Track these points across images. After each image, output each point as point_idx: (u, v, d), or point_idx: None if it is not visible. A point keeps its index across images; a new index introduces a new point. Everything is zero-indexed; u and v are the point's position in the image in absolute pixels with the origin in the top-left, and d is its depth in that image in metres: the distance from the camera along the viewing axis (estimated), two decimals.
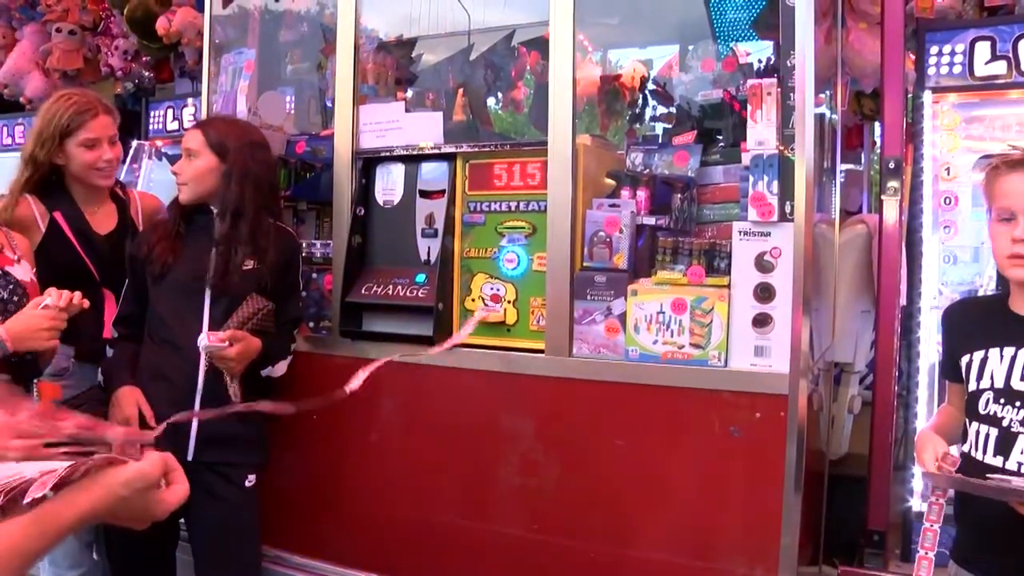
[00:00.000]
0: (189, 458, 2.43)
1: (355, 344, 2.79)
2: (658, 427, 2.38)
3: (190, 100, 4.79)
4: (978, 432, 1.81)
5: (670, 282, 2.37)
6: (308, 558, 2.88)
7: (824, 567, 2.53)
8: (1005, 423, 1.76)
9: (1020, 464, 1.72)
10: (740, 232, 2.29)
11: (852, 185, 4.68)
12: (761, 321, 2.26)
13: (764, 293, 2.25)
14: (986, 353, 1.82)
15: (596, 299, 2.45)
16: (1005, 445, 1.75)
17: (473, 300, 2.66)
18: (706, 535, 2.33)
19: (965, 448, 1.85)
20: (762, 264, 2.26)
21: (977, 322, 1.91)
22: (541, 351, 2.53)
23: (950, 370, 1.98)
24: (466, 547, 2.64)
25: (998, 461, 1.75)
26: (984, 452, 1.79)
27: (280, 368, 2.61)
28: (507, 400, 2.57)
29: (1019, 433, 1.74)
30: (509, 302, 2.61)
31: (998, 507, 1.67)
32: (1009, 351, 1.79)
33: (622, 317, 2.41)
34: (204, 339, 2.36)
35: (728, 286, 2.30)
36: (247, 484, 2.56)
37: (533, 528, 2.53)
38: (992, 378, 1.80)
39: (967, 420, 1.85)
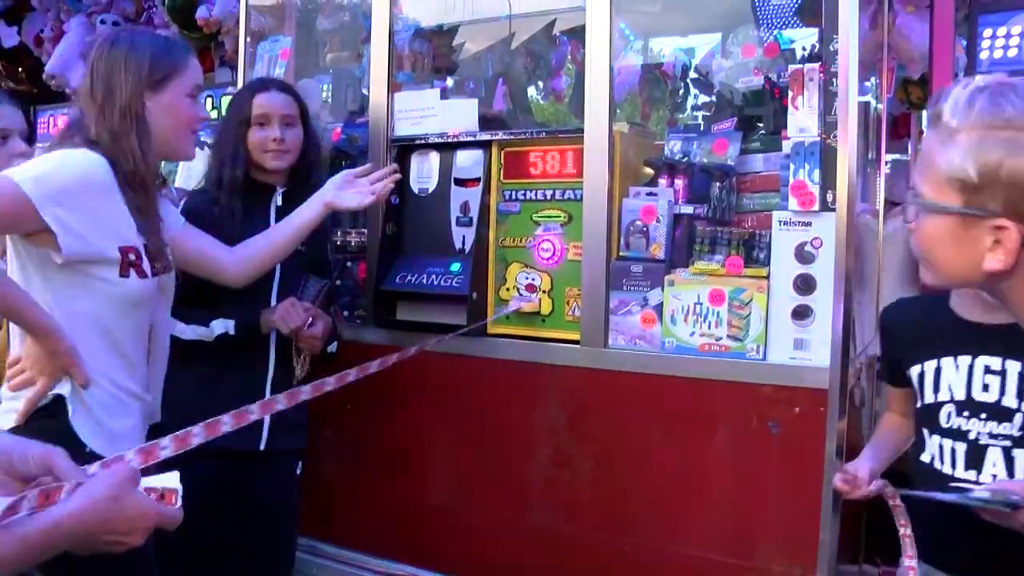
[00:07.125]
0: (261, 447, 2.40)
1: (389, 333, 2.78)
2: (694, 421, 2.33)
3: (230, 89, 4.81)
4: (941, 447, 1.74)
5: (708, 273, 2.32)
6: (342, 547, 2.88)
7: (865, 566, 2.48)
8: (972, 436, 1.70)
9: (995, 477, 1.66)
10: (780, 222, 2.23)
11: (899, 176, 4.56)
12: (801, 313, 2.20)
13: (804, 284, 2.20)
14: (939, 363, 1.75)
15: (632, 289, 2.40)
16: (975, 459, 1.69)
17: (508, 289, 2.64)
18: (743, 531, 2.28)
19: (925, 459, 1.78)
20: (803, 255, 2.20)
21: (921, 328, 1.84)
22: (576, 342, 2.50)
23: (891, 375, 1.93)
24: (498, 538, 2.62)
25: (971, 475, 1.69)
26: (953, 466, 1.72)
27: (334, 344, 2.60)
28: (541, 391, 2.55)
29: (988, 446, 1.68)
30: (544, 292, 2.58)
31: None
32: (964, 360, 1.72)
33: (659, 308, 2.37)
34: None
35: (767, 277, 2.25)
36: (297, 471, 2.56)
37: (566, 520, 2.51)
38: (951, 390, 1.73)
39: (926, 432, 1.79)
